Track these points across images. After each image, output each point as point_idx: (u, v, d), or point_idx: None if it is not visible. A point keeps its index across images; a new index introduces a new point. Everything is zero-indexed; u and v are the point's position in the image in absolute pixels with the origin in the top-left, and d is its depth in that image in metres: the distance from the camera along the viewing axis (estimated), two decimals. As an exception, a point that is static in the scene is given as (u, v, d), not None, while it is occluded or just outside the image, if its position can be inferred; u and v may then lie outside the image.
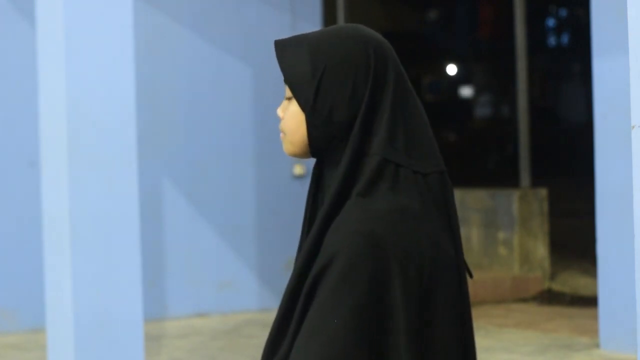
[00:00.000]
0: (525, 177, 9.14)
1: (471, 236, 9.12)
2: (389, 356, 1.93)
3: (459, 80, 22.38)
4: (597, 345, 6.66)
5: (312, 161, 2.15)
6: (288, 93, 2.10)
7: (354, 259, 1.93)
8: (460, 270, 2.07)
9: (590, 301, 8.08)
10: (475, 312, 7.72)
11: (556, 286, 8.97)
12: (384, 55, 2.06)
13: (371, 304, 1.92)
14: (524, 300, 8.68)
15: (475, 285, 8.14)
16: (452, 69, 22.11)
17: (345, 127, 2.03)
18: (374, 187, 1.99)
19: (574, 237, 11.21)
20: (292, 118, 2.08)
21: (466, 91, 22.56)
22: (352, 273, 1.92)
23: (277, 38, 2.22)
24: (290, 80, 2.07)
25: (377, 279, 1.93)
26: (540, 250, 8.97)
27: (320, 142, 2.06)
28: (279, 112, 2.13)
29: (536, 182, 9.48)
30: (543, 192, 8.99)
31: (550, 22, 23.69)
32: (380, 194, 1.99)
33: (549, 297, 8.69)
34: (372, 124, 2.03)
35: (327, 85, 2.03)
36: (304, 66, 2.05)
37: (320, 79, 2.03)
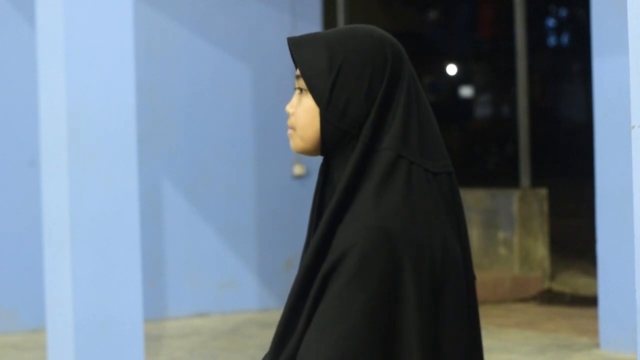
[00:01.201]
0: (525, 177, 9.14)
1: (471, 236, 9.12)
2: (402, 351, 1.94)
3: (459, 80, 22.38)
4: (597, 345, 6.66)
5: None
6: (300, 86, 2.09)
7: (366, 255, 1.93)
8: (467, 271, 2.08)
9: (590, 301, 8.08)
10: (476, 312, 7.71)
11: (556, 286, 8.97)
12: (400, 54, 2.07)
13: (384, 299, 1.93)
14: (524, 300, 8.68)
15: (476, 285, 8.13)
16: (452, 69, 22.11)
17: (359, 123, 2.03)
18: (388, 183, 1.99)
19: (574, 237, 11.21)
20: (305, 112, 2.07)
21: (466, 91, 22.57)
22: (365, 268, 1.92)
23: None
24: (306, 73, 2.05)
25: (390, 274, 1.93)
26: (540, 250, 8.97)
27: (332, 138, 2.05)
28: (288, 108, 2.11)
29: (536, 182, 9.47)
30: (543, 192, 8.99)
31: (550, 22, 23.69)
32: (394, 189, 1.99)
33: (549, 297, 8.69)
34: (385, 120, 2.03)
35: (343, 79, 2.03)
36: (321, 60, 2.04)
37: (337, 73, 2.03)
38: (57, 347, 5.70)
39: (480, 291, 8.54)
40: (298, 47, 2.08)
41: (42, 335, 7.17)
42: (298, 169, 8.67)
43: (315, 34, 2.10)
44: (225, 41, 8.43)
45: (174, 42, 8.28)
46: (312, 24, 8.67)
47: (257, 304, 8.52)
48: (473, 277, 2.13)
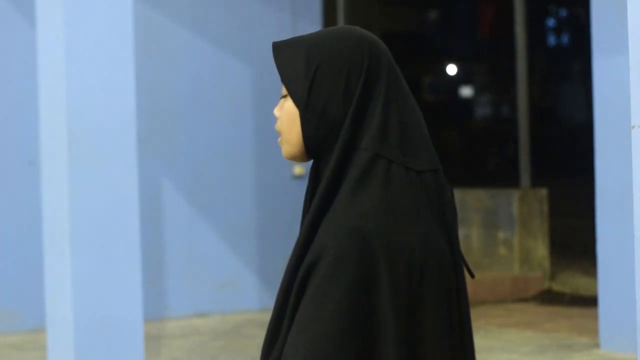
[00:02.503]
0: (525, 177, 9.14)
1: (471, 236, 9.12)
2: (377, 351, 1.94)
3: (459, 80, 22.37)
4: (597, 345, 6.66)
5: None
6: (284, 91, 2.11)
7: (340, 255, 1.93)
8: (457, 270, 2.06)
9: (590, 301, 8.08)
10: (475, 312, 7.72)
11: (556, 286, 8.97)
12: (378, 53, 2.07)
13: (358, 299, 1.93)
14: (524, 300, 8.68)
15: (475, 285, 8.14)
16: (452, 69, 22.11)
17: (339, 123, 2.03)
18: (364, 183, 1.99)
19: (574, 237, 11.21)
20: (287, 116, 2.08)
21: (466, 91, 22.56)
22: (339, 269, 1.93)
23: (277, 38, 2.24)
24: (284, 77, 2.08)
25: (364, 274, 1.94)
26: (540, 250, 8.97)
27: (314, 140, 2.06)
28: (276, 112, 2.14)
29: (536, 182, 9.48)
30: (543, 192, 8.99)
31: (550, 22, 23.70)
32: (371, 189, 1.99)
33: (549, 297, 8.69)
34: (363, 119, 2.03)
35: (320, 80, 2.04)
36: (298, 63, 2.06)
37: (314, 74, 2.04)
38: (57, 347, 5.70)
39: (480, 291, 8.56)
40: (278, 51, 2.11)
41: (42, 335, 7.17)
42: (298, 169, 8.67)
43: (295, 38, 2.13)
44: (225, 41, 8.43)
45: (173, 41, 8.28)
46: (312, 24, 8.67)
47: (257, 304, 8.52)
48: (464, 276, 2.11)
